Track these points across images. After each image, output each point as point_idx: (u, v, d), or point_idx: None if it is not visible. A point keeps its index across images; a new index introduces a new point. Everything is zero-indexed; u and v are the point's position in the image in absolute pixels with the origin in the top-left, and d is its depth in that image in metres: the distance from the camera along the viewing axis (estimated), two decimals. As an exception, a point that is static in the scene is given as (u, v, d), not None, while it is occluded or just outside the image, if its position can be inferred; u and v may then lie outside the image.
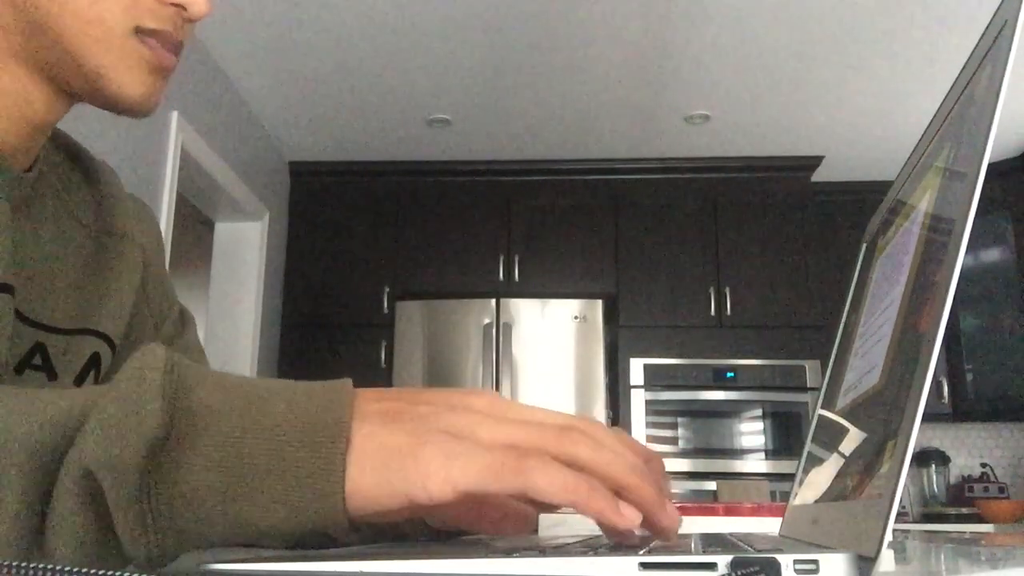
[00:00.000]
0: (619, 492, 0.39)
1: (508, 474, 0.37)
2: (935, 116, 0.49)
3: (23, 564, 0.26)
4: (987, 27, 0.39)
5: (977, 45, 0.41)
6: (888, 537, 0.30)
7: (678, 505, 0.94)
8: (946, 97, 0.47)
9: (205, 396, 0.37)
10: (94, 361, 0.61)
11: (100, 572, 0.26)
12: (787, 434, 3.85)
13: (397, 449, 0.37)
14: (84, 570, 0.26)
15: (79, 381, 0.60)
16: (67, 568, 0.26)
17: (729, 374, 3.90)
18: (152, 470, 0.34)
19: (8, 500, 0.33)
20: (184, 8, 0.57)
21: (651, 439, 3.84)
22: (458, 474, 0.37)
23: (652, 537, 0.44)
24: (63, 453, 0.34)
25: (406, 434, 0.38)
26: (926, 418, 3.93)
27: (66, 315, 0.59)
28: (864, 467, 0.39)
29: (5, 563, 0.26)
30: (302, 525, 0.36)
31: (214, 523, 0.35)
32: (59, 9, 0.53)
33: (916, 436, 0.31)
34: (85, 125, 0.96)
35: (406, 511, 0.38)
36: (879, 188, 4.12)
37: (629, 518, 0.39)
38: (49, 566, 0.26)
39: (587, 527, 0.80)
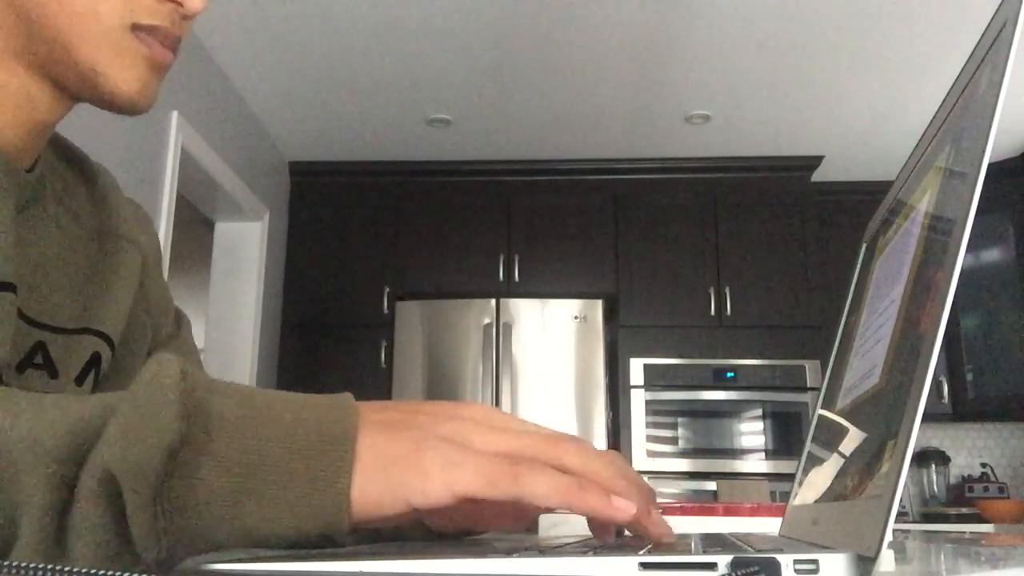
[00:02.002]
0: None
1: (504, 480, 0.39)
2: (935, 116, 0.49)
3: (23, 564, 0.26)
4: (987, 27, 0.39)
5: (977, 45, 0.41)
6: (888, 537, 0.30)
7: (678, 505, 0.94)
8: (946, 97, 0.47)
9: (217, 404, 0.38)
10: (94, 360, 0.61)
11: (100, 572, 0.26)
12: (787, 434, 3.85)
13: (398, 456, 0.39)
14: (84, 570, 0.26)
15: (80, 380, 0.60)
16: (67, 568, 0.26)
17: (729, 374, 3.90)
18: (168, 473, 0.35)
19: (34, 501, 0.34)
20: (180, 3, 0.57)
21: (651, 439, 3.84)
22: (456, 480, 0.39)
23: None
24: (84, 456, 0.35)
25: (407, 441, 0.40)
26: (926, 418, 3.93)
27: (67, 315, 0.59)
28: (864, 467, 0.39)
29: (5, 563, 0.26)
30: (307, 530, 0.37)
31: (222, 526, 0.36)
32: (56, 6, 0.53)
33: (916, 436, 0.31)
34: (85, 125, 0.96)
35: (407, 515, 0.40)
36: (879, 188, 4.12)
37: (623, 508, 0.41)
38: (50, 566, 0.26)
39: (587, 527, 0.80)
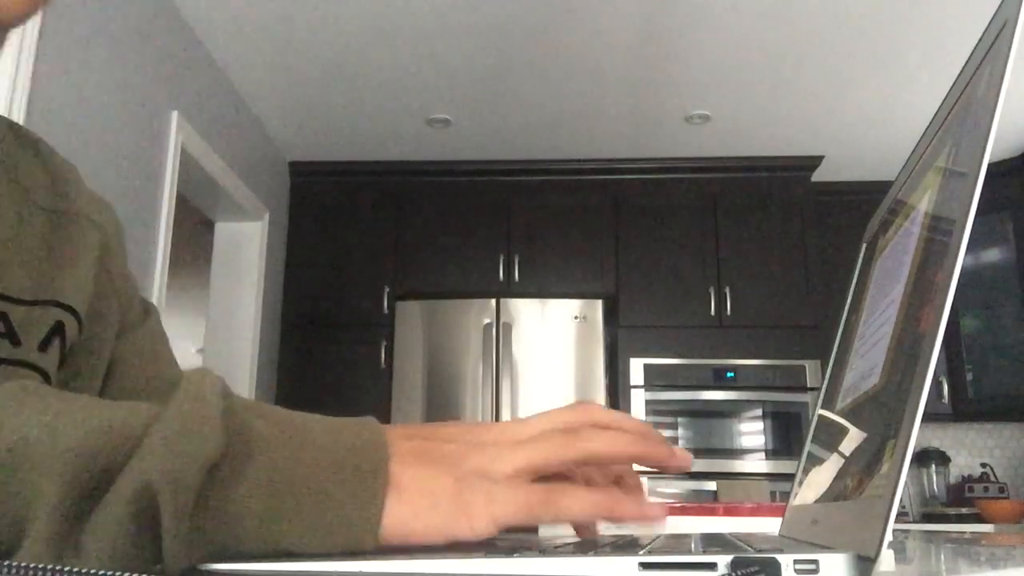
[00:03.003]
0: (639, 460, 0.46)
1: (541, 508, 0.42)
2: (935, 116, 0.49)
3: (22, 564, 0.26)
4: (987, 27, 0.39)
5: (977, 45, 0.41)
6: (888, 537, 0.30)
7: (678, 505, 0.94)
8: (946, 97, 0.47)
9: (254, 422, 0.38)
10: (58, 330, 0.61)
11: (99, 573, 0.26)
12: (787, 434, 3.85)
13: (442, 492, 0.41)
14: (84, 570, 0.26)
15: (43, 348, 0.60)
16: (67, 569, 0.26)
17: (729, 374, 3.90)
18: (206, 488, 0.35)
19: (50, 495, 0.34)
20: None
21: (651, 439, 3.84)
22: (499, 513, 0.41)
23: (652, 537, 0.45)
24: (113, 460, 0.35)
25: (445, 476, 0.42)
26: (926, 418, 3.93)
27: (25, 288, 0.59)
28: (864, 467, 0.39)
29: (5, 563, 0.26)
30: (335, 549, 0.38)
31: (253, 543, 0.37)
32: None
33: (916, 436, 0.31)
34: (85, 126, 0.96)
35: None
36: (879, 188, 4.12)
37: (655, 512, 0.45)
38: (50, 567, 0.26)
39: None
